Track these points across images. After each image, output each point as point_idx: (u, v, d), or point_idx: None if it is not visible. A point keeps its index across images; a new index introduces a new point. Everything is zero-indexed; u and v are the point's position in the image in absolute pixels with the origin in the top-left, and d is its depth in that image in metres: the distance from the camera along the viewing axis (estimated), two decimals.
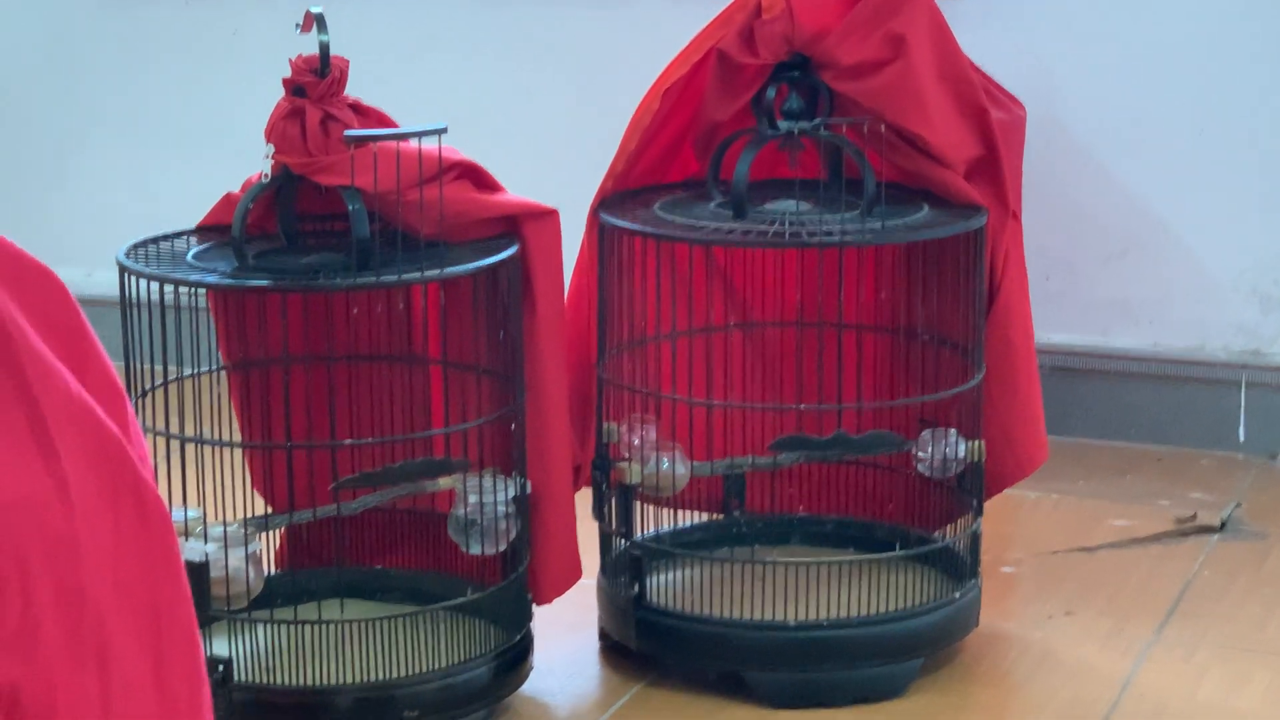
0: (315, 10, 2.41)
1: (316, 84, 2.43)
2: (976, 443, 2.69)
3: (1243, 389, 3.50)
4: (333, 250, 2.47)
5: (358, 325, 2.61)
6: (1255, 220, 3.47)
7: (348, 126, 2.42)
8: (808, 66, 2.72)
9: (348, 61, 2.46)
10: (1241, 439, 3.51)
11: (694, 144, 2.81)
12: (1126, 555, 3.08)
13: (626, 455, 2.69)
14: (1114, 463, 3.47)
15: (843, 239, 2.56)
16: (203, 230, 2.55)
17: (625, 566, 2.67)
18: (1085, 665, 2.71)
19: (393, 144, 2.43)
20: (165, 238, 2.52)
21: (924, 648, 2.64)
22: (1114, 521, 3.21)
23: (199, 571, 2.36)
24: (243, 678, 2.43)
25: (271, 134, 2.45)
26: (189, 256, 2.47)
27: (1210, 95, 3.45)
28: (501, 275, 2.48)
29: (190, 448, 2.42)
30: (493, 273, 2.47)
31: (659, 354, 2.73)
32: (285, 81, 2.45)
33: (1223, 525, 3.19)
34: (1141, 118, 3.48)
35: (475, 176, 2.53)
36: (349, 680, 2.43)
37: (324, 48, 2.43)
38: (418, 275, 2.38)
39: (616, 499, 2.67)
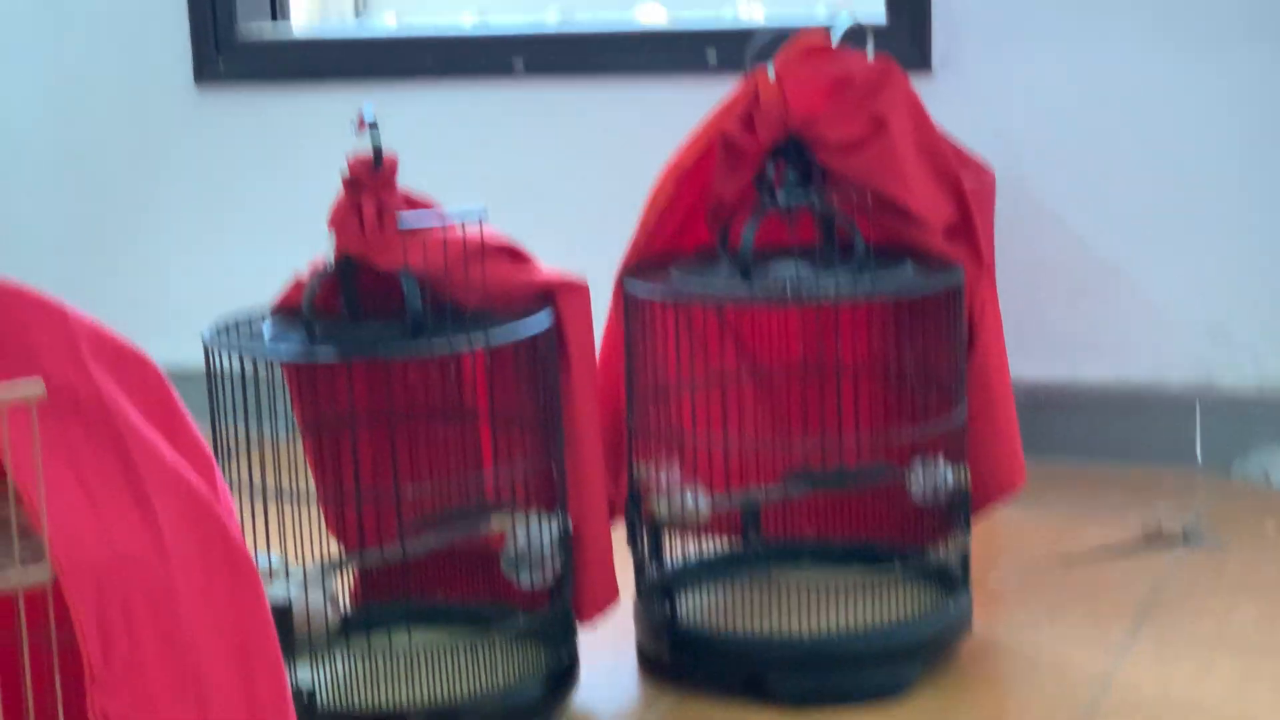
0: (368, 113, 2.43)
1: (371, 178, 2.44)
2: (963, 470, 2.69)
3: (1198, 412, 3.49)
4: (391, 322, 2.48)
5: (414, 387, 2.62)
6: (1203, 262, 3.46)
7: (400, 215, 2.43)
8: (801, 145, 2.73)
9: (397, 156, 2.47)
10: (1199, 457, 3.50)
11: (705, 217, 2.81)
12: (1101, 565, 3.07)
13: (655, 492, 2.69)
14: (1086, 482, 3.46)
15: (837, 296, 2.57)
16: (276, 310, 2.56)
17: (658, 590, 2.67)
18: (1068, 665, 2.70)
19: (439, 228, 2.45)
20: (243, 319, 2.54)
21: (923, 653, 2.64)
22: (1088, 535, 3.20)
23: (283, 612, 2.36)
24: (325, 703, 2.43)
25: (333, 224, 2.46)
26: (265, 333, 2.48)
27: (1158, 153, 3.44)
28: (540, 340, 2.48)
29: (271, 500, 2.43)
30: (532, 339, 2.48)
31: (680, 402, 2.73)
32: (344, 179, 2.46)
33: (1185, 535, 3.18)
34: (1096, 177, 3.48)
35: (512, 253, 2.53)
36: (420, 701, 2.43)
37: (376, 145, 2.44)
38: (466, 343, 2.39)
39: (648, 531, 2.68)
